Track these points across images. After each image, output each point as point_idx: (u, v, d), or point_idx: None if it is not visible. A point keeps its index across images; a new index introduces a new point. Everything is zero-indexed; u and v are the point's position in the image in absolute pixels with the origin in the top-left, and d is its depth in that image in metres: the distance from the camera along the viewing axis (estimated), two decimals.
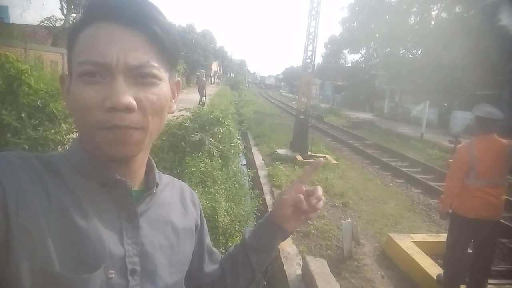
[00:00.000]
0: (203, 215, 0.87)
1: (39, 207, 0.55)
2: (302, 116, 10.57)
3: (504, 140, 3.28)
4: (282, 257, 4.33)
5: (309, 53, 10.50)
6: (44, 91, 3.86)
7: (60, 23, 23.79)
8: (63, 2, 21.87)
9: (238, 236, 4.43)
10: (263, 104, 31.82)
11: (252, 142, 12.45)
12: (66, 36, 0.65)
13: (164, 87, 0.64)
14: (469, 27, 20.08)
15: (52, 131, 3.29)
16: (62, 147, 3.26)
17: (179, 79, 0.72)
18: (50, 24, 22.45)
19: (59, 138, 3.25)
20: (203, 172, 5.09)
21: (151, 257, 0.66)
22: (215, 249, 0.91)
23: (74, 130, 3.37)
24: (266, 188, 7.13)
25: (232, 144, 6.87)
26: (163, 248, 0.70)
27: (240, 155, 8.76)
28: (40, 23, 21.95)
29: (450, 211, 3.50)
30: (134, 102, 0.58)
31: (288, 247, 4.60)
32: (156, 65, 0.61)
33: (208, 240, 0.88)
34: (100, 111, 0.57)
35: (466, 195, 3.30)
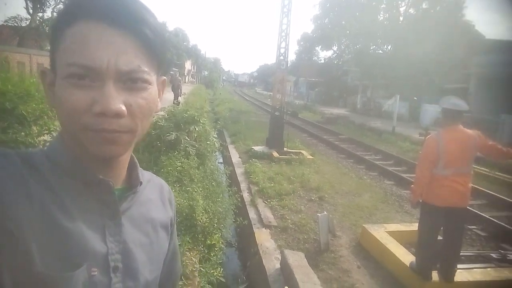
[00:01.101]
0: (176, 214, 0.88)
1: (20, 206, 0.55)
2: (277, 113, 10.65)
3: (469, 131, 3.44)
4: (260, 252, 4.38)
5: (282, 50, 10.59)
6: (12, 93, 3.74)
7: (26, 22, 22.95)
8: (28, 1, 21.10)
9: (216, 233, 4.44)
10: (238, 102, 31.81)
11: (228, 140, 12.45)
12: (51, 28, 0.62)
13: (153, 90, 0.63)
14: (436, 22, 20.76)
15: (22, 133, 3.19)
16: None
17: (165, 78, 0.71)
18: (15, 24, 21.65)
19: (29, 140, 3.15)
20: (180, 171, 5.06)
21: (133, 255, 0.67)
22: (178, 251, 0.91)
23: (45, 132, 3.29)
24: (243, 185, 7.17)
25: (208, 142, 6.84)
26: (144, 245, 0.70)
27: (217, 153, 8.74)
28: (4, 22, 21.08)
29: (421, 200, 3.64)
30: (124, 108, 0.57)
31: (266, 242, 4.65)
32: (146, 69, 0.60)
33: (175, 240, 0.87)
34: (88, 115, 0.57)
35: (435, 184, 3.44)
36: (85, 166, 0.63)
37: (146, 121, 0.63)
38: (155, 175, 0.86)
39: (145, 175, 0.77)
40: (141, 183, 0.72)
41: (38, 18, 23.02)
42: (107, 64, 0.56)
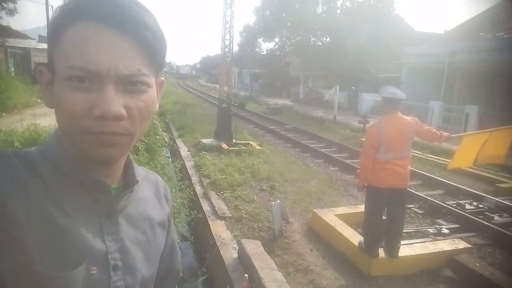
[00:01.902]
0: (172, 210, 0.88)
1: (18, 206, 0.54)
2: (224, 105, 10.67)
3: (407, 117, 3.75)
4: (218, 243, 4.43)
5: (227, 42, 10.58)
6: None
7: None
8: None
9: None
10: (183, 94, 31.18)
11: (175, 133, 12.24)
12: (49, 27, 0.60)
13: (152, 93, 0.63)
14: (370, 15, 21.88)
15: None
16: None
17: (163, 78, 0.71)
18: None
19: None
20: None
21: (131, 253, 0.68)
22: (177, 247, 0.92)
23: None
24: (195, 179, 7.14)
25: (157, 136, 6.71)
26: (141, 243, 0.71)
27: (165, 147, 8.57)
28: None
29: (366, 184, 3.91)
30: (124, 111, 0.57)
31: (223, 233, 4.72)
32: (146, 72, 0.60)
33: (172, 235, 0.87)
34: (88, 118, 0.57)
35: (378, 167, 3.71)
36: (82, 166, 0.63)
37: (145, 123, 0.64)
38: (150, 171, 0.86)
39: (140, 172, 0.78)
40: (137, 181, 0.73)
41: None
42: (108, 68, 0.56)
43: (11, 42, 23.60)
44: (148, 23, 0.60)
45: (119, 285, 0.64)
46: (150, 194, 0.80)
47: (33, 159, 0.62)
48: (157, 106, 0.69)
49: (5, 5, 21.90)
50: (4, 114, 9.27)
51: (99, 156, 0.60)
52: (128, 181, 0.72)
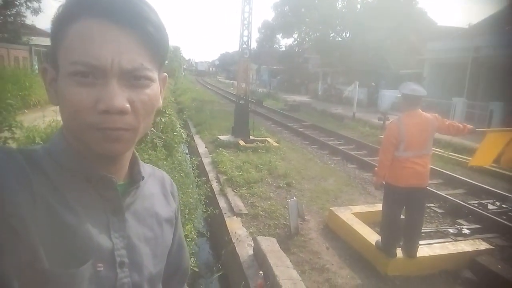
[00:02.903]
0: (179, 206, 0.88)
1: (23, 203, 0.54)
2: (242, 102, 10.67)
3: (427, 114, 3.65)
4: (233, 240, 4.44)
5: (245, 39, 10.56)
6: None
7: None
8: None
9: (188, 224, 4.45)
10: (201, 91, 31.44)
11: (193, 130, 12.33)
12: (52, 25, 0.60)
13: (155, 87, 0.64)
14: (391, 10, 21.44)
15: None
16: None
17: (166, 74, 0.72)
18: None
19: None
20: (147, 163, 4.98)
21: (138, 249, 0.68)
22: (185, 244, 0.92)
23: (6, 128, 3.11)
24: (212, 175, 7.18)
25: (175, 133, 6.77)
26: (148, 239, 0.71)
27: (183, 144, 8.65)
28: None
29: (384, 182, 3.84)
30: (128, 105, 0.58)
31: (238, 230, 4.72)
32: (149, 67, 0.61)
33: (180, 232, 0.88)
34: (93, 113, 0.57)
35: (397, 166, 3.64)
36: (88, 162, 0.63)
37: (148, 118, 0.64)
38: (156, 168, 0.86)
39: (146, 169, 0.78)
40: (143, 177, 0.73)
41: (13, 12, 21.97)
42: (111, 62, 0.56)
43: (35, 40, 24.29)
44: (151, 18, 0.61)
45: (125, 282, 0.64)
46: (156, 191, 0.80)
47: (38, 156, 0.62)
48: (161, 102, 0.69)
49: (30, 5, 22.68)
50: (26, 110, 9.52)
51: (104, 152, 0.60)
52: (134, 178, 0.72)
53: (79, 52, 0.56)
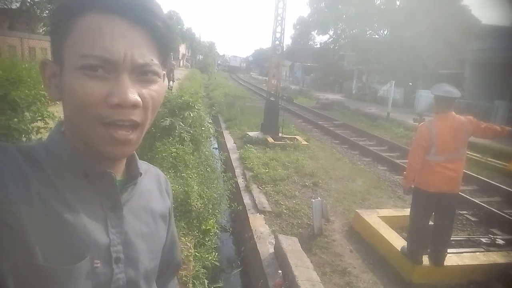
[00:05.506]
0: (172, 203, 0.89)
1: (20, 200, 0.54)
2: (272, 98, 10.63)
3: (461, 117, 3.47)
4: (255, 237, 4.44)
5: (278, 35, 10.49)
6: (4, 79, 3.68)
7: (16, 5, 22.59)
8: None
9: (211, 219, 4.49)
10: (234, 87, 31.61)
11: (223, 125, 12.43)
12: (55, 18, 0.60)
13: (161, 83, 0.64)
14: (432, 7, 20.58)
15: (15, 120, 3.16)
16: (26, 136, 3.16)
17: (164, 72, 0.70)
18: (5, 6, 21.24)
19: (22, 127, 3.12)
20: (175, 157, 5.06)
21: (134, 245, 0.68)
22: (177, 240, 0.93)
23: (38, 118, 3.26)
24: (238, 171, 7.21)
25: (203, 128, 6.84)
26: (144, 235, 0.72)
27: (212, 138, 8.74)
28: None
29: (413, 186, 3.69)
30: (139, 99, 0.58)
31: (261, 227, 4.71)
32: (157, 63, 0.62)
33: (173, 228, 0.89)
34: (103, 107, 0.57)
35: (427, 170, 3.49)
36: (86, 158, 0.63)
37: (153, 114, 0.64)
38: (151, 165, 0.86)
39: (142, 166, 0.78)
40: (140, 174, 0.73)
41: (29, 0, 22.68)
42: (124, 56, 0.57)
43: None
44: (159, 14, 0.61)
45: (120, 278, 0.64)
46: (152, 187, 0.80)
47: (35, 153, 0.62)
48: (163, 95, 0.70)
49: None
50: (57, 102, 9.97)
51: (111, 155, 0.61)
52: (132, 174, 0.73)
53: (89, 46, 0.56)
